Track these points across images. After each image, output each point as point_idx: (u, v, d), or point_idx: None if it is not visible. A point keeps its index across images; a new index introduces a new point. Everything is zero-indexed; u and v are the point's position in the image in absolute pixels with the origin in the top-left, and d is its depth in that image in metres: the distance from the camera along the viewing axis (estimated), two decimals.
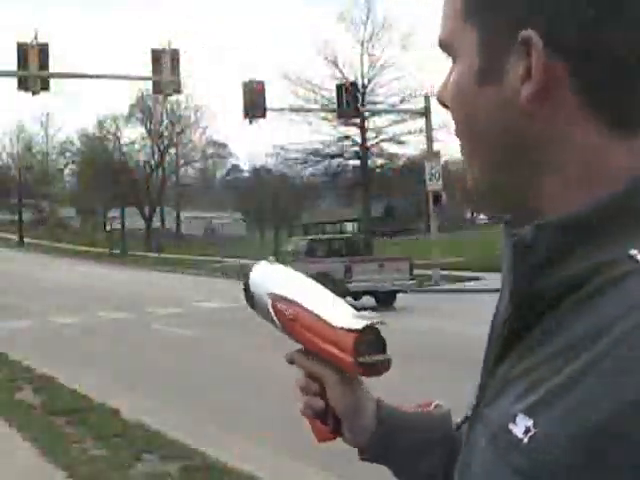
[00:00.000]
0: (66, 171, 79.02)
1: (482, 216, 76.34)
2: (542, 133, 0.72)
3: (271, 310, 1.12)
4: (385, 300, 20.29)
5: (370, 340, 1.00)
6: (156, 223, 66.07)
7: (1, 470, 6.71)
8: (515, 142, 0.73)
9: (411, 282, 20.84)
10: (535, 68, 0.70)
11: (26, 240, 70.52)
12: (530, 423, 0.65)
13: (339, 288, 16.19)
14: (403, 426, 1.08)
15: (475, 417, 0.77)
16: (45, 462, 6.79)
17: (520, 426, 0.66)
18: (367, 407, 1.08)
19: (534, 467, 0.64)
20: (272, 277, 1.16)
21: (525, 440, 0.65)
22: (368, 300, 20.01)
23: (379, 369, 1.01)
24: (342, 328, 1.01)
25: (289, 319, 1.09)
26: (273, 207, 51.41)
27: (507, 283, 0.75)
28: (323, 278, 14.47)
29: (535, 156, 0.73)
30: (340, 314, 1.03)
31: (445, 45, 0.79)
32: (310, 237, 26.93)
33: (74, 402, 9.21)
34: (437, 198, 26.54)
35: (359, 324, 1.00)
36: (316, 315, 1.05)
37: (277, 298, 1.11)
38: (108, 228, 68.12)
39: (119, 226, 63.37)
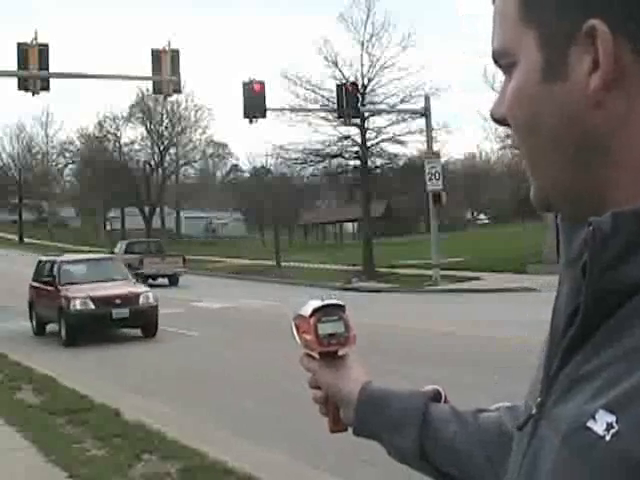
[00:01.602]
0: (66, 171, 79.04)
1: (482, 216, 76.40)
2: (612, 123, 0.71)
3: (293, 328, 1.32)
4: (171, 280, 33.19)
5: (326, 313, 1.25)
6: (156, 223, 66.03)
7: (1, 470, 6.71)
8: (585, 136, 0.73)
9: (183, 269, 34.07)
10: (602, 57, 0.69)
11: (26, 240, 70.52)
12: (612, 419, 0.64)
13: (136, 272, 25.51)
14: (380, 404, 1.18)
15: (540, 417, 0.77)
16: (45, 462, 6.79)
17: (600, 423, 0.65)
18: (352, 388, 1.21)
19: (617, 463, 0.63)
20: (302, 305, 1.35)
21: (607, 437, 0.64)
22: (163, 280, 32.98)
23: (340, 341, 1.24)
24: (307, 316, 1.26)
25: (298, 329, 1.30)
26: (273, 207, 51.38)
27: (570, 279, 0.76)
28: (128, 267, 20.59)
29: (605, 148, 0.72)
30: (311, 306, 1.27)
31: (503, 53, 0.78)
32: (128, 241, 40.80)
33: (74, 402, 9.21)
34: (437, 198, 26.53)
35: (314, 305, 1.26)
36: (301, 315, 1.28)
37: (296, 317, 1.32)
38: (108, 228, 68.16)
39: (119, 226, 63.39)
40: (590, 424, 0.66)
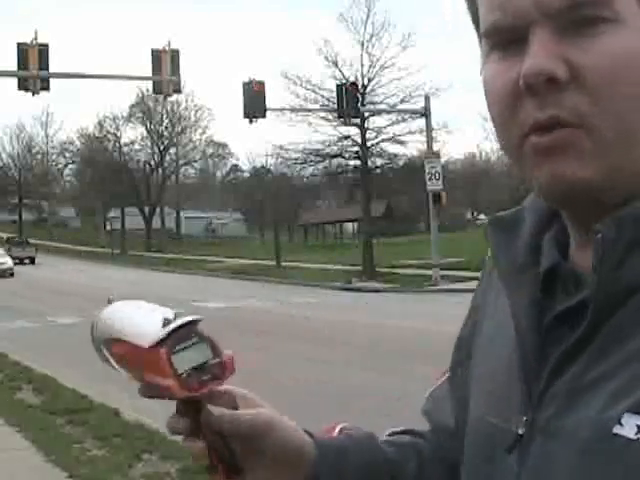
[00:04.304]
0: (66, 171, 79.08)
1: (482, 216, 76.39)
2: None
3: (110, 358, 0.93)
4: (31, 260, 53.97)
5: (179, 338, 0.85)
6: (156, 223, 66.05)
7: (1, 470, 6.71)
8: None
9: (35, 254, 54.72)
10: None
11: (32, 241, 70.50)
12: None
13: (10, 255, 45.98)
14: (345, 451, 0.94)
15: (533, 435, 0.73)
16: (45, 462, 6.79)
17: (629, 427, 0.64)
18: (291, 439, 0.91)
19: None
20: (104, 322, 0.97)
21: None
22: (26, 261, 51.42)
23: (214, 373, 0.86)
24: (148, 346, 0.84)
25: (121, 360, 0.91)
26: (273, 207, 51.42)
27: (527, 287, 0.77)
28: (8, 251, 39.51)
29: None
30: (149, 328, 0.86)
31: (600, 4, 0.68)
32: (8, 236, 63.71)
33: (74, 402, 9.20)
34: (437, 198, 26.53)
35: (163, 332, 0.85)
36: (128, 342, 0.88)
37: (108, 341, 0.93)
38: (108, 228, 68.14)
39: (119, 226, 63.39)
40: (617, 430, 0.65)
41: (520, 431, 0.74)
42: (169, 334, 0.84)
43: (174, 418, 0.89)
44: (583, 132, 0.68)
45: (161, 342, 0.84)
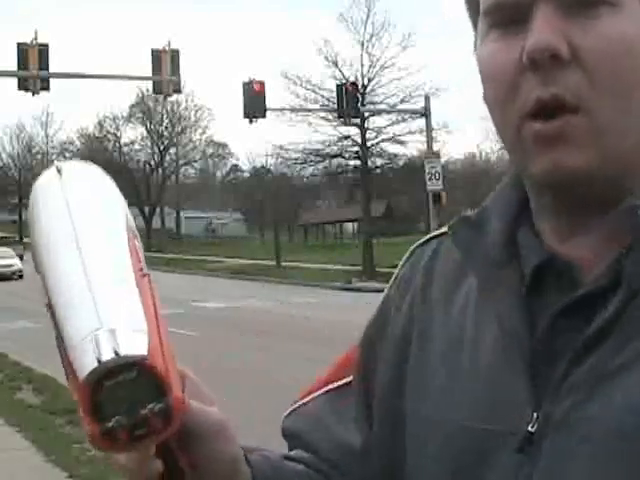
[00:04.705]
0: None
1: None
2: None
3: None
4: None
5: (114, 370, 0.64)
6: (156, 223, 66.07)
7: (1, 470, 6.71)
8: None
9: None
10: None
11: (26, 240, 70.54)
12: None
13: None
14: (280, 467, 0.88)
15: (546, 430, 0.70)
16: (45, 462, 6.79)
17: None
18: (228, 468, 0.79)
19: None
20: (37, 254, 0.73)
21: None
22: None
23: (152, 423, 0.65)
24: (81, 381, 0.65)
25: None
26: (273, 207, 51.42)
27: (507, 281, 0.76)
28: None
29: None
30: (83, 324, 0.66)
31: None
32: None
33: (74, 402, 9.19)
34: (437, 198, 26.54)
35: (90, 366, 0.64)
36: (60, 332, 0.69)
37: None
38: None
39: None
40: None
41: (530, 428, 0.71)
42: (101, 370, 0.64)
43: None
44: (582, 117, 0.69)
45: (91, 379, 0.64)
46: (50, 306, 0.70)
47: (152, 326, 0.68)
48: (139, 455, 0.71)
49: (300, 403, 0.97)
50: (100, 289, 0.68)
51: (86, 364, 0.65)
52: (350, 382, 0.93)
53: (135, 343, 0.66)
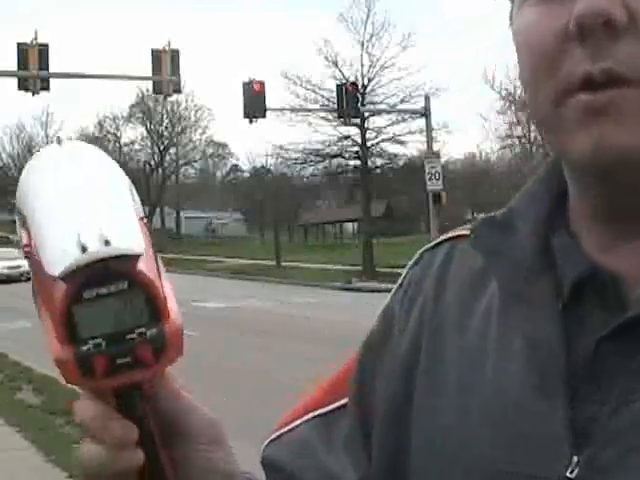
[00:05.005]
0: None
1: (482, 216, 76.28)
2: None
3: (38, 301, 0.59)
4: None
5: (96, 278, 0.52)
6: (156, 223, 66.08)
7: (1, 470, 6.71)
8: None
9: None
10: None
11: None
12: None
13: None
14: None
15: (593, 475, 0.59)
16: (45, 462, 6.79)
17: None
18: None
19: None
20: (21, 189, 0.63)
21: None
22: None
23: (142, 356, 0.54)
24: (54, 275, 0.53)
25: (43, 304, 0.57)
26: (273, 207, 51.42)
27: (538, 294, 0.67)
28: None
29: None
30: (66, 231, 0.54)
31: None
32: None
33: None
34: (437, 198, 26.54)
35: (70, 257, 0.52)
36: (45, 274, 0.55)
37: (20, 220, 0.61)
38: None
39: None
40: None
41: (569, 474, 0.60)
42: (81, 267, 0.51)
43: (89, 402, 0.58)
44: (638, 91, 0.59)
45: (67, 276, 0.51)
46: (29, 242, 0.58)
47: (149, 253, 0.57)
48: (104, 412, 0.57)
49: (282, 431, 0.84)
50: (95, 206, 0.56)
51: (65, 256, 0.52)
52: (344, 405, 0.80)
53: (130, 242, 0.54)
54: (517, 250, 0.69)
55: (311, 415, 0.82)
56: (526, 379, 0.64)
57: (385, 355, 0.78)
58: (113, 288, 0.52)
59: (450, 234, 0.81)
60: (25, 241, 0.58)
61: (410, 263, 0.83)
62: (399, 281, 0.83)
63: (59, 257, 0.52)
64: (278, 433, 0.84)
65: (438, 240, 0.82)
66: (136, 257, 0.53)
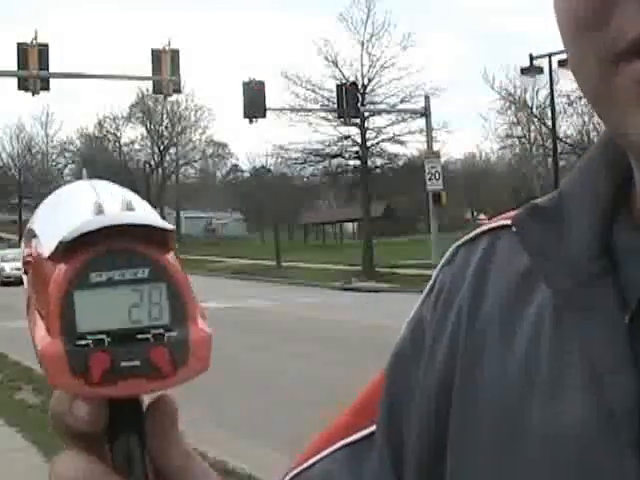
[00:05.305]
0: (66, 171, 79.06)
1: (482, 216, 76.37)
2: None
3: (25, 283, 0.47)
4: None
5: (102, 259, 0.41)
6: None
7: (1, 470, 6.71)
8: None
9: None
10: None
11: None
12: None
13: None
14: None
15: None
16: (45, 462, 6.78)
17: None
18: None
19: None
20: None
21: None
22: None
23: (157, 366, 0.42)
24: (46, 257, 0.42)
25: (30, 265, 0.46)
26: (273, 207, 51.41)
27: (598, 302, 0.53)
28: None
29: None
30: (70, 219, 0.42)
31: None
32: None
33: None
34: (437, 198, 26.54)
35: (83, 219, 0.41)
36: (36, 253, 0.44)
37: (28, 236, 0.47)
38: None
39: None
40: None
41: None
42: (78, 238, 0.40)
43: (76, 459, 0.46)
44: None
45: (63, 252, 0.40)
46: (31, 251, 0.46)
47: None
48: (94, 474, 0.44)
49: (304, 467, 0.71)
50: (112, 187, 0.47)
51: (71, 226, 0.40)
52: (372, 433, 0.68)
53: (158, 219, 0.43)
54: (573, 249, 0.56)
55: (338, 445, 0.69)
56: (588, 426, 0.51)
57: (414, 383, 0.66)
58: (129, 274, 0.41)
59: (489, 225, 0.67)
60: (26, 252, 0.46)
61: (442, 261, 0.70)
62: (429, 284, 0.72)
63: (63, 230, 0.40)
64: (298, 469, 0.71)
65: (474, 233, 0.68)
66: (167, 234, 0.42)
